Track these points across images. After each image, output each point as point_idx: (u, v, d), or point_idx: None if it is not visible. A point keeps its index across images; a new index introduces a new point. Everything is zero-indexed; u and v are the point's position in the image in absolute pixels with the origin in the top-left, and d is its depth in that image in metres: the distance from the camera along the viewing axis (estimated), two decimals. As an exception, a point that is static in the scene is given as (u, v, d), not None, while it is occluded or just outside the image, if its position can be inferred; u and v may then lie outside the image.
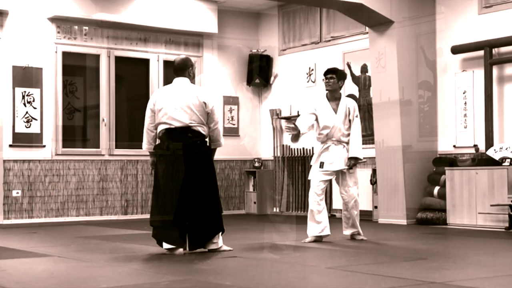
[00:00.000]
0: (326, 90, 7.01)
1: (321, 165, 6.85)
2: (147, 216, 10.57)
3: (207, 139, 6.03)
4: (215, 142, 6.13)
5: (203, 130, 5.95)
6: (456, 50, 9.05)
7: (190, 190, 5.82)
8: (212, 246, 5.94)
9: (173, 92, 5.95)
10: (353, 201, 6.91)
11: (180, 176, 5.81)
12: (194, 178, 5.85)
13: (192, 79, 6.09)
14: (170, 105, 5.87)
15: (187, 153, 5.84)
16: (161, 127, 5.92)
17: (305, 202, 10.83)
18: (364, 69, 10.17)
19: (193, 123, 5.87)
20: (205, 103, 5.93)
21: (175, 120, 5.85)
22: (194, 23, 11.04)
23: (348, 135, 6.95)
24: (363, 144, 9.95)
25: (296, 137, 6.84)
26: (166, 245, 5.92)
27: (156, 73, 10.95)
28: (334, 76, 6.96)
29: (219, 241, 5.99)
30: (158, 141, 6.08)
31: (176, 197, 5.80)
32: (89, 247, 6.64)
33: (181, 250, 5.90)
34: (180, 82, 6.01)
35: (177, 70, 6.05)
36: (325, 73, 7.05)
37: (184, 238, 5.89)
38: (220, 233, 5.99)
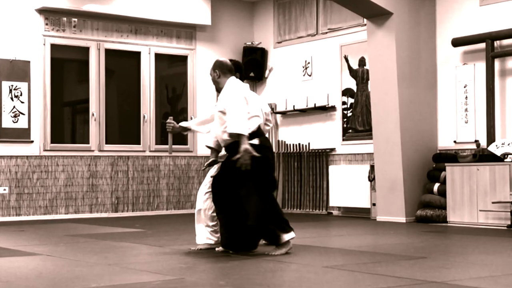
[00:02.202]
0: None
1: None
2: (138, 213, 10.64)
3: None
4: None
5: None
6: (457, 42, 8.99)
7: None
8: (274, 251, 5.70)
9: (248, 88, 5.87)
10: None
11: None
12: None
13: None
14: (256, 100, 5.81)
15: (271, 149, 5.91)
16: (257, 120, 5.70)
17: (301, 199, 10.73)
18: (362, 62, 10.04)
19: None
20: None
21: (261, 116, 5.80)
22: (186, 15, 10.91)
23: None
24: (362, 139, 9.92)
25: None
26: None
27: (147, 66, 10.81)
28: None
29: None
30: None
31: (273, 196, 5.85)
32: (78, 246, 6.60)
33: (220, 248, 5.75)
34: (239, 81, 5.88)
35: (232, 70, 5.89)
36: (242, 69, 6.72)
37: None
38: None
